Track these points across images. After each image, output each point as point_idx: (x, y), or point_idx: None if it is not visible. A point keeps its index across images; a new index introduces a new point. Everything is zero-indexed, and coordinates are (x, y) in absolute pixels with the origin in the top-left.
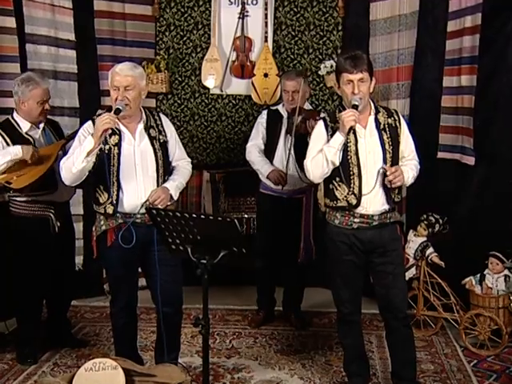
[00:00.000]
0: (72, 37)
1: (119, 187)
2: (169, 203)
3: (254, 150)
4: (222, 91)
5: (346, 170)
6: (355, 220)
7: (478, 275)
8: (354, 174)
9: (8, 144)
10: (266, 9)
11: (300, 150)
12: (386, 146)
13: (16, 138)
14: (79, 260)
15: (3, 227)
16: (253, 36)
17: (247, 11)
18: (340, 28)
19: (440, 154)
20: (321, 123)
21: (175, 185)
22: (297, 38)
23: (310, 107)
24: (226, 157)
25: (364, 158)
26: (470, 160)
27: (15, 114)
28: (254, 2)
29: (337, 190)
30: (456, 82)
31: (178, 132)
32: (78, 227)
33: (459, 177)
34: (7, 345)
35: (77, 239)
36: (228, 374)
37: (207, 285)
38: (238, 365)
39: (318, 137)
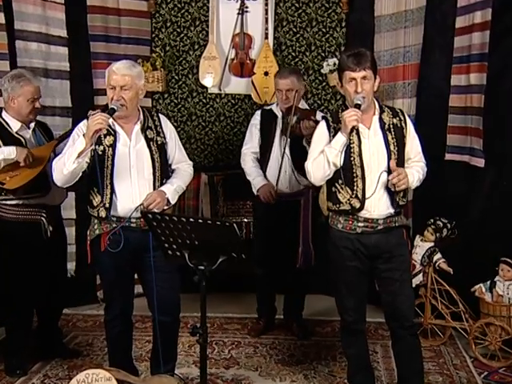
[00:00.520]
0: (64, 33)
1: (113, 190)
2: (165, 207)
3: (248, 157)
4: (220, 90)
5: (348, 172)
6: (359, 224)
7: (488, 282)
8: (357, 176)
9: None
10: (266, 4)
11: (296, 150)
12: (391, 147)
13: (6, 138)
14: (71, 266)
15: None
16: (252, 33)
17: (247, 7)
18: (343, 24)
19: (448, 156)
20: (323, 123)
21: (173, 188)
22: (298, 35)
23: (306, 106)
24: (224, 158)
25: (368, 160)
26: (480, 162)
27: (4, 114)
28: None
29: (339, 192)
30: (465, 81)
31: None
32: (70, 232)
33: (468, 179)
34: None
35: (69, 244)
36: None
37: (205, 292)
38: (238, 376)
39: (320, 138)
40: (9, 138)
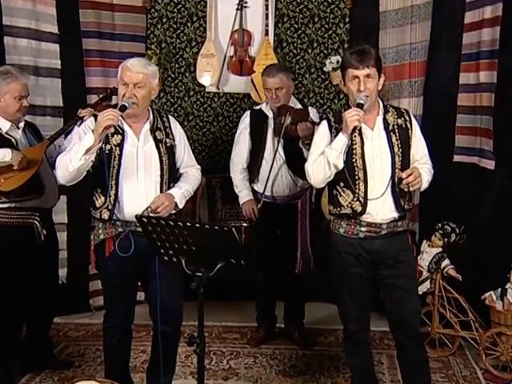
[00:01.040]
0: (55, 29)
1: (117, 191)
2: (173, 211)
3: (237, 167)
4: (218, 89)
5: (350, 175)
6: (362, 229)
7: (499, 290)
8: (359, 178)
9: None
10: None
11: (291, 151)
12: (395, 149)
13: None
14: (63, 273)
15: None
16: (252, 29)
17: (246, 2)
18: (347, 20)
19: (456, 158)
20: (324, 123)
21: (181, 192)
22: (300, 31)
23: (297, 102)
24: (222, 160)
25: (371, 162)
26: (490, 164)
27: None
28: None
29: (341, 196)
30: (474, 79)
31: None
32: (62, 237)
33: (477, 182)
34: None
35: (60, 250)
36: None
37: (203, 300)
38: None
39: (321, 138)
40: None
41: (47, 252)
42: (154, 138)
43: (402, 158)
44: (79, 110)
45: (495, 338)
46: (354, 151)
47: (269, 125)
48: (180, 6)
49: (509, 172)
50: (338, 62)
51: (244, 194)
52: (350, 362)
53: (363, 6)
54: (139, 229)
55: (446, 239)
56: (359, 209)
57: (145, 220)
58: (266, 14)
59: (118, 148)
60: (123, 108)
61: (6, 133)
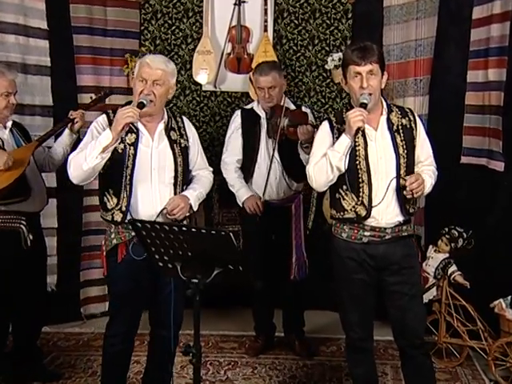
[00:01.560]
0: (44, 25)
1: (131, 192)
2: (187, 214)
3: (230, 166)
4: (215, 88)
5: (354, 177)
6: (365, 233)
7: (509, 297)
8: (363, 181)
9: None
10: None
11: (285, 153)
12: (400, 150)
13: None
14: (52, 279)
15: None
16: (250, 25)
17: None
18: (350, 16)
19: (464, 159)
20: (325, 124)
21: (195, 194)
22: (300, 28)
23: (290, 102)
24: (220, 162)
25: (375, 164)
26: (499, 165)
27: None
28: None
29: (344, 199)
30: (482, 77)
31: None
32: (52, 242)
33: (486, 184)
34: None
35: (50, 256)
36: None
37: (199, 307)
38: None
39: (322, 140)
40: None
41: (34, 258)
42: (169, 138)
43: (407, 160)
44: (70, 111)
45: (505, 348)
46: (358, 153)
47: (262, 125)
48: (175, 0)
49: None
50: (340, 59)
51: (243, 192)
52: (353, 372)
53: (366, 1)
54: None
55: (452, 244)
56: (363, 213)
57: (139, 224)
58: (265, 10)
59: (132, 147)
60: (141, 105)
61: None
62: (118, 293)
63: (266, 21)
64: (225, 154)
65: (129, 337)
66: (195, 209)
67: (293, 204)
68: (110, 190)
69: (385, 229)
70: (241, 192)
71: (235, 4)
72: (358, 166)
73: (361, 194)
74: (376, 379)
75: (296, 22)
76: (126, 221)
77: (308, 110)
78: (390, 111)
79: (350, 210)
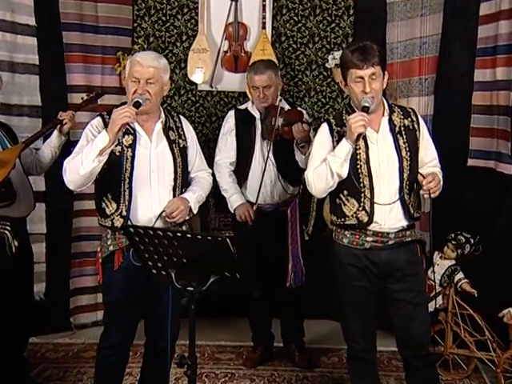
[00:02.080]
0: (32, 21)
1: (131, 196)
2: (187, 217)
3: (224, 170)
4: (211, 87)
5: (354, 182)
6: (367, 239)
7: None
8: (364, 186)
9: None
10: None
11: (281, 155)
12: (403, 153)
13: None
14: (41, 288)
15: None
16: (248, 22)
17: None
18: (351, 12)
19: (471, 162)
20: (324, 127)
21: (195, 197)
22: (300, 24)
23: (284, 102)
24: None
25: (377, 168)
26: (507, 168)
27: None
28: None
29: (345, 205)
30: (490, 76)
31: None
32: (40, 248)
33: (494, 188)
34: None
35: (38, 263)
36: None
37: (194, 316)
38: None
39: (322, 143)
40: None
41: (20, 265)
42: (168, 138)
43: (410, 162)
44: (59, 112)
45: None
46: (359, 156)
47: (257, 127)
48: None
49: None
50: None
51: (236, 198)
52: None
53: None
54: None
55: (459, 250)
56: (365, 219)
57: (131, 230)
58: (264, 6)
59: (129, 149)
60: (137, 104)
61: None
62: (113, 301)
63: (264, 17)
64: (218, 156)
65: (124, 347)
66: (195, 212)
67: (289, 208)
68: (108, 195)
69: (388, 234)
70: (233, 198)
71: (232, 0)
72: (359, 171)
73: (362, 199)
74: None
75: (295, 18)
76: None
77: (303, 111)
78: (391, 112)
79: (352, 216)
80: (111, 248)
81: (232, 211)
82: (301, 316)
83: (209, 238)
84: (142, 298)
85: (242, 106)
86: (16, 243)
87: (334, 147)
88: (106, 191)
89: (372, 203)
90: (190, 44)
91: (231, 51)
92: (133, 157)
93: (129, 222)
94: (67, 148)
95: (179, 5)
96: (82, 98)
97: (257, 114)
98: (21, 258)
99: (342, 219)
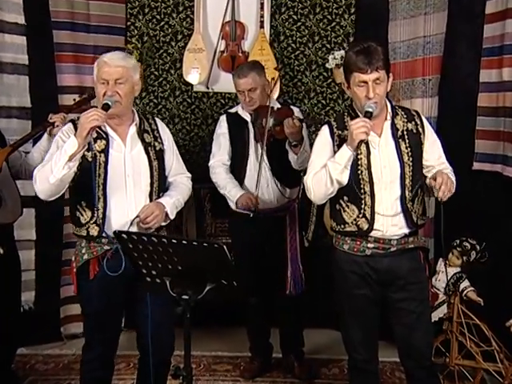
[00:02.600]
0: (21, 19)
1: (106, 203)
2: (163, 223)
3: (220, 169)
4: (207, 88)
5: (355, 188)
6: (369, 245)
7: None
8: (365, 192)
9: None
10: None
11: (275, 158)
12: (405, 158)
13: None
14: (30, 297)
15: None
16: (246, 21)
17: None
18: (352, 10)
19: (476, 165)
20: (325, 129)
21: (172, 202)
22: (300, 23)
23: (276, 103)
24: None
25: (378, 174)
26: None
27: None
28: None
29: (344, 211)
30: (496, 76)
31: None
32: (29, 256)
33: (500, 192)
34: None
35: (27, 270)
36: None
37: (190, 326)
38: None
39: (322, 147)
40: None
41: (6, 273)
42: (142, 141)
43: (412, 168)
44: (50, 114)
45: None
46: (360, 162)
47: (250, 130)
48: None
49: None
50: (342, 57)
51: (235, 191)
52: None
53: None
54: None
55: (464, 257)
56: (365, 226)
57: (124, 236)
58: (262, 4)
59: (102, 154)
60: (106, 107)
61: None
62: (92, 312)
63: (262, 16)
64: (212, 160)
65: (107, 360)
66: (172, 217)
67: (287, 213)
68: (82, 203)
69: (390, 240)
70: (233, 192)
71: None
72: (360, 176)
73: (363, 205)
74: None
75: (295, 17)
76: (103, 234)
77: (296, 109)
78: (394, 115)
79: (352, 222)
80: (86, 257)
81: (233, 206)
82: (300, 325)
83: (205, 244)
84: (121, 306)
85: (233, 110)
86: (1, 251)
87: (334, 151)
88: (79, 199)
89: (373, 210)
90: (185, 43)
91: (228, 51)
92: (106, 162)
93: (103, 232)
94: None
95: (174, 3)
96: (74, 100)
97: (248, 118)
98: (7, 265)
99: (342, 226)
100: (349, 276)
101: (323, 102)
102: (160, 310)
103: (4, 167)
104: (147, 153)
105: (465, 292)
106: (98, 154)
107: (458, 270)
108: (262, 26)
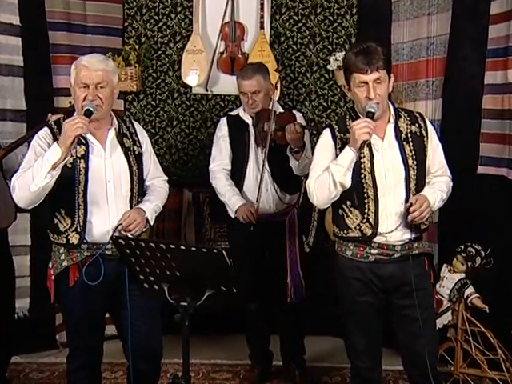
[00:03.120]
0: (16, 20)
1: (86, 210)
2: (143, 229)
3: (220, 174)
4: (206, 90)
5: (358, 192)
6: (372, 251)
7: None
8: (368, 196)
9: None
10: None
11: (276, 163)
12: (409, 161)
13: None
14: (24, 303)
15: None
16: (245, 22)
17: None
18: (354, 11)
19: (481, 169)
20: (327, 133)
21: (152, 207)
22: (300, 24)
23: (279, 107)
24: None
25: (382, 178)
26: None
27: None
28: None
29: (347, 216)
30: (501, 78)
31: (152, 142)
32: (24, 261)
33: (506, 197)
34: None
35: (22, 277)
36: None
37: (188, 333)
38: None
39: (324, 151)
40: None
41: (0, 279)
42: (122, 145)
43: (417, 172)
44: (49, 114)
45: None
46: (363, 165)
47: (250, 133)
48: None
49: None
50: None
51: (235, 200)
52: None
53: None
54: (109, 252)
55: (469, 263)
56: (369, 232)
57: (122, 242)
58: (262, 5)
59: (82, 160)
60: (88, 113)
61: None
62: (73, 321)
63: (262, 17)
64: (212, 164)
65: (93, 369)
66: (152, 223)
67: (286, 218)
68: (61, 211)
69: (394, 246)
70: (233, 200)
71: None
72: (364, 180)
73: (366, 210)
74: None
75: (295, 18)
76: (84, 241)
77: (299, 115)
78: (397, 117)
79: (355, 228)
80: (65, 263)
81: (232, 215)
82: (301, 332)
83: (204, 250)
84: (103, 313)
85: (234, 112)
86: None
87: (336, 155)
88: (58, 206)
89: (376, 215)
90: (184, 44)
91: (227, 52)
92: (86, 168)
93: (83, 240)
94: None
95: (173, 3)
96: (70, 102)
97: (249, 120)
98: (1, 271)
99: (345, 231)
100: (352, 283)
101: (324, 104)
102: (143, 314)
103: None
104: (127, 157)
105: (469, 298)
106: (77, 160)
107: (463, 275)
108: (262, 27)
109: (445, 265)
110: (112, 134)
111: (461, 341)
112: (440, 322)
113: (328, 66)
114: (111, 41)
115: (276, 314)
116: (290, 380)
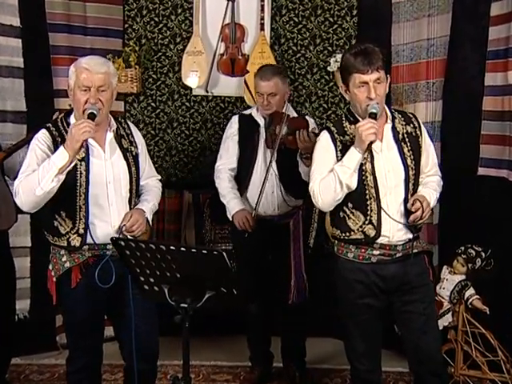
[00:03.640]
0: (17, 22)
1: (87, 212)
2: (144, 230)
3: (224, 175)
4: (207, 92)
5: (360, 194)
6: (374, 252)
7: None
8: (370, 198)
9: None
10: None
11: (283, 166)
12: (408, 162)
13: None
14: (25, 305)
15: None
16: (246, 23)
17: None
18: (354, 12)
19: (481, 171)
20: (326, 136)
21: (150, 207)
22: (301, 26)
23: (293, 110)
24: (212, 173)
25: (383, 178)
26: None
27: None
28: None
29: (349, 218)
30: (501, 80)
31: (152, 143)
32: (24, 263)
33: (506, 198)
34: None
35: (22, 278)
36: None
37: (188, 335)
38: None
39: (324, 153)
40: None
41: (1, 281)
42: (121, 146)
43: (415, 171)
44: (55, 113)
45: None
46: (364, 167)
47: (261, 134)
48: None
49: None
50: None
51: (234, 204)
52: None
53: None
54: (109, 252)
55: (470, 265)
56: (372, 233)
57: (122, 243)
58: (262, 6)
59: (83, 163)
60: (92, 116)
61: None
62: (74, 322)
63: (262, 18)
64: (219, 162)
65: (93, 369)
66: (150, 223)
67: (291, 220)
68: (61, 213)
69: (395, 246)
70: (231, 204)
71: (228, 0)
72: (365, 182)
73: (369, 211)
74: None
75: (296, 19)
76: (86, 243)
77: (312, 120)
78: (393, 118)
79: (357, 230)
80: (67, 265)
81: (230, 218)
82: (302, 334)
83: (204, 251)
84: (103, 314)
85: (247, 112)
86: None
87: (337, 156)
88: (58, 209)
89: (379, 216)
90: (184, 46)
91: (228, 54)
92: (87, 171)
93: (85, 242)
94: None
95: (173, 5)
96: (70, 105)
97: (261, 121)
98: (2, 273)
99: (347, 233)
100: (353, 285)
101: (325, 105)
102: (142, 314)
103: None
104: (126, 158)
105: (470, 300)
106: (78, 162)
107: (463, 277)
108: (262, 29)
109: (445, 266)
110: (110, 135)
111: (461, 342)
112: (440, 324)
113: (328, 68)
114: (111, 42)
115: (277, 315)
116: (290, 382)
